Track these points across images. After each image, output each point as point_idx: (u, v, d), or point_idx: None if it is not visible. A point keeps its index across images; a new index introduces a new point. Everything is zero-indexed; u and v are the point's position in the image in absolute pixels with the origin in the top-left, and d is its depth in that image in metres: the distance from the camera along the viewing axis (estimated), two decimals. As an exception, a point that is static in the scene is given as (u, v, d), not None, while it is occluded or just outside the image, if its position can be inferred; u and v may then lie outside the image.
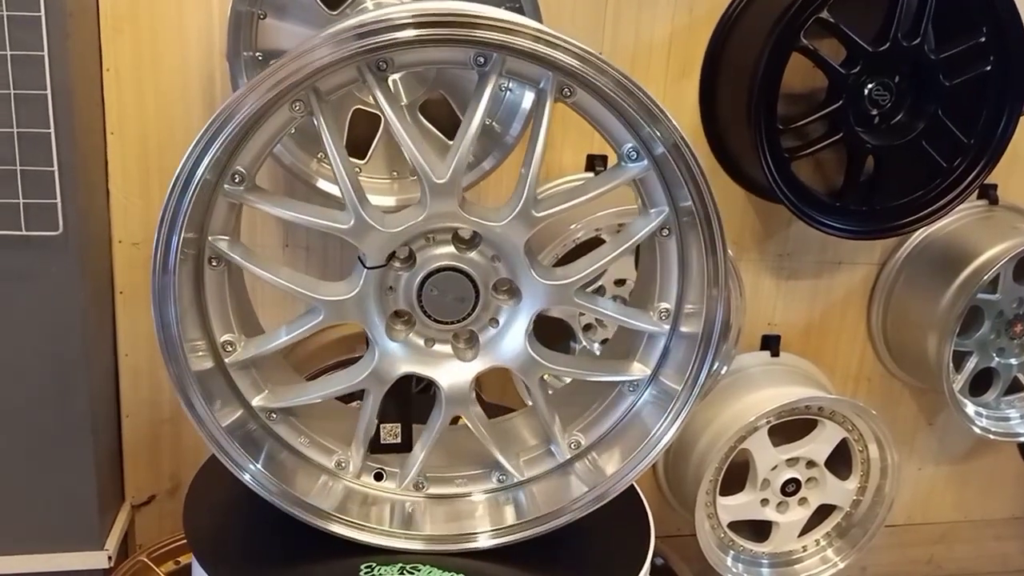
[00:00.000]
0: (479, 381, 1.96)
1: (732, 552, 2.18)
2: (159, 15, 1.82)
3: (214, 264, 1.28)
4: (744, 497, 2.13)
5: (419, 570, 1.31)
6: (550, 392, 1.42)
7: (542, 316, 1.35)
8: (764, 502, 2.14)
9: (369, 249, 1.26)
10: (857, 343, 2.37)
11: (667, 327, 1.35)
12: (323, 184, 1.73)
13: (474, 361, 1.37)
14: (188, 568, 1.78)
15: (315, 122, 1.20)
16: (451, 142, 1.25)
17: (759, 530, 2.20)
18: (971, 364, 2.24)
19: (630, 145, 1.24)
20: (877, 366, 2.39)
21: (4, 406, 1.77)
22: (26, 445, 1.80)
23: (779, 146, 1.90)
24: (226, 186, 1.22)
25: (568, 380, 1.58)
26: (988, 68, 1.94)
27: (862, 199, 2.01)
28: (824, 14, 1.83)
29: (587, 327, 2.02)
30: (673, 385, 1.36)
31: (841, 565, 2.22)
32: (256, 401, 1.34)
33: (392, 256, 1.29)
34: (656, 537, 1.46)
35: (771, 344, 2.27)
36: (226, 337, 1.31)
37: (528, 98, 1.71)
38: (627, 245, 1.31)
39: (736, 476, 2.12)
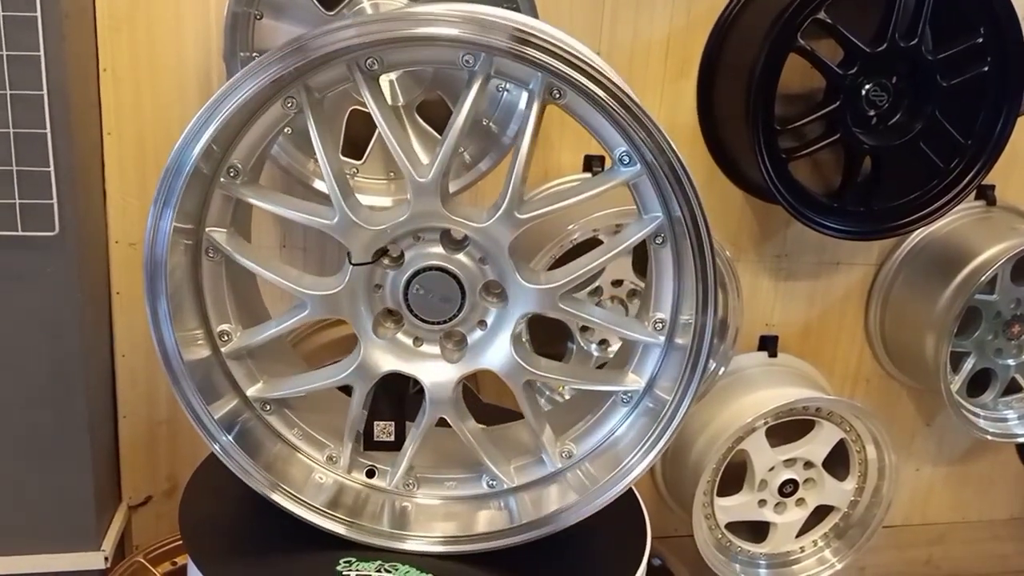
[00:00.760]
0: (477, 382, 1.97)
1: (730, 553, 2.18)
2: (156, 16, 1.83)
3: (211, 255, 1.30)
4: (742, 498, 2.13)
5: (397, 569, 1.32)
6: (542, 401, 1.40)
7: (542, 316, 1.34)
8: (762, 503, 2.14)
9: (354, 245, 1.27)
10: (855, 344, 2.36)
11: (662, 338, 1.31)
12: (319, 185, 1.74)
13: (459, 363, 1.36)
14: (184, 569, 1.78)
15: (305, 119, 1.21)
16: (447, 143, 1.25)
17: (757, 531, 2.20)
18: (969, 365, 2.24)
19: (623, 149, 1.22)
20: (875, 367, 2.39)
21: (0, 406, 1.77)
22: (23, 446, 1.80)
23: (776, 147, 1.90)
24: (221, 179, 1.26)
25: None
26: (986, 69, 1.94)
27: (860, 200, 2.01)
28: (821, 15, 1.83)
29: (584, 328, 2.01)
30: (665, 396, 1.33)
31: (839, 566, 2.22)
32: (251, 391, 1.36)
33: (384, 254, 1.29)
34: (653, 538, 1.46)
35: (769, 345, 2.27)
36: (223, 327, 1.33)
37: (525, 98, 1.71)
38: (617, 250, 1.29)
39: (734, 477, 2.12)
